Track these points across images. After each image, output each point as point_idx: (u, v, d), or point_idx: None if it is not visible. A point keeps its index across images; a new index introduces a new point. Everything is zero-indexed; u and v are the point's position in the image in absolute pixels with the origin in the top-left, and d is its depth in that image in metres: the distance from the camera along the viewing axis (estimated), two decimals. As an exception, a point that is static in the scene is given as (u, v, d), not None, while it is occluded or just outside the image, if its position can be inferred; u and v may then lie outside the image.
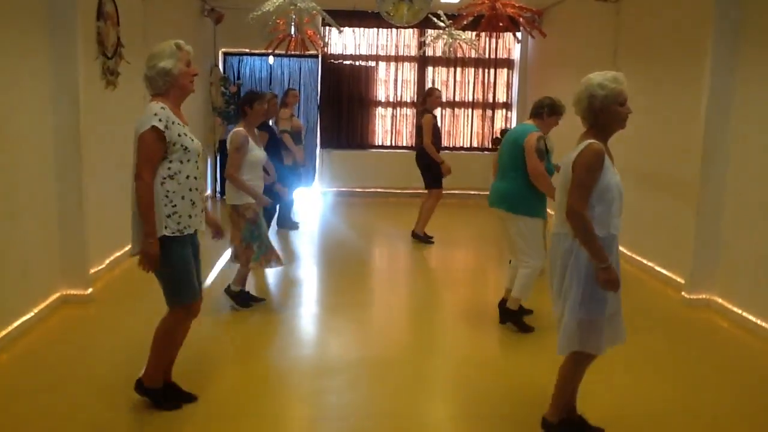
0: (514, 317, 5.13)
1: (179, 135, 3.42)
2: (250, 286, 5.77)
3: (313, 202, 11.26)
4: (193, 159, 3.50)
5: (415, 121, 11.98)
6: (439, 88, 10.64)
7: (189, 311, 3.66)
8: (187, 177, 3.46)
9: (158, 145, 3.36)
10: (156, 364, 3.67)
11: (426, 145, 7.88)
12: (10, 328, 4.61)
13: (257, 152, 5.23)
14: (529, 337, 5.02)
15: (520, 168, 4.99)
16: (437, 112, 8.47)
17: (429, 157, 7.94)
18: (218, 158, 11.06)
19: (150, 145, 3.34)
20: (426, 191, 8.20)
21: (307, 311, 5.72)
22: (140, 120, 3.39)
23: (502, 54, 12.04)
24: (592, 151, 3.15)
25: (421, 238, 8.24)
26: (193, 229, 3.54)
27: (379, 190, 11.83)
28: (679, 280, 6.12)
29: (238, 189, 5.17)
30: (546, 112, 5.12)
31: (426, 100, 8.13)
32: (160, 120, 3.34)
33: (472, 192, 11.39)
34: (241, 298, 5.49)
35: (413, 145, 11.91)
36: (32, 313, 4.91)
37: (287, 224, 8.79)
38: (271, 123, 7.77)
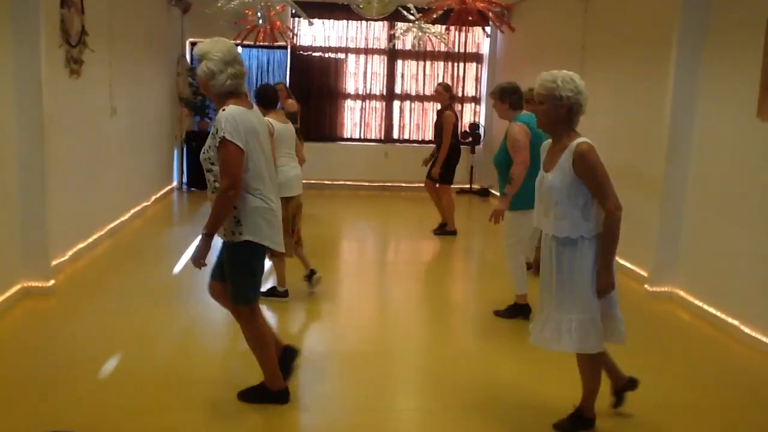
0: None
1: None
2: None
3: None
4: None
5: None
6: (409, 81, 10.56)
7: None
8: None
9: None
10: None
11: (445, 146, 7.92)
12: (-31, 321, 4.51)
13: None
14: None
15: None
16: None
17: (448, 152, 7.97)
18: (184, 149, 10.93)
19: None
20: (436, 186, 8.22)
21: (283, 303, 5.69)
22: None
23: (471, 48, 12.08)
24: None
25: (450, 232, 8.22)
26: None
27: (348, 182, 11.82)
28: (642, 273, 6.22)
29: None
30: None
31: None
32: None
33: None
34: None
35: (388, 137, 11.97)
36: (-7, 306, 4.82)
37: None
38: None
